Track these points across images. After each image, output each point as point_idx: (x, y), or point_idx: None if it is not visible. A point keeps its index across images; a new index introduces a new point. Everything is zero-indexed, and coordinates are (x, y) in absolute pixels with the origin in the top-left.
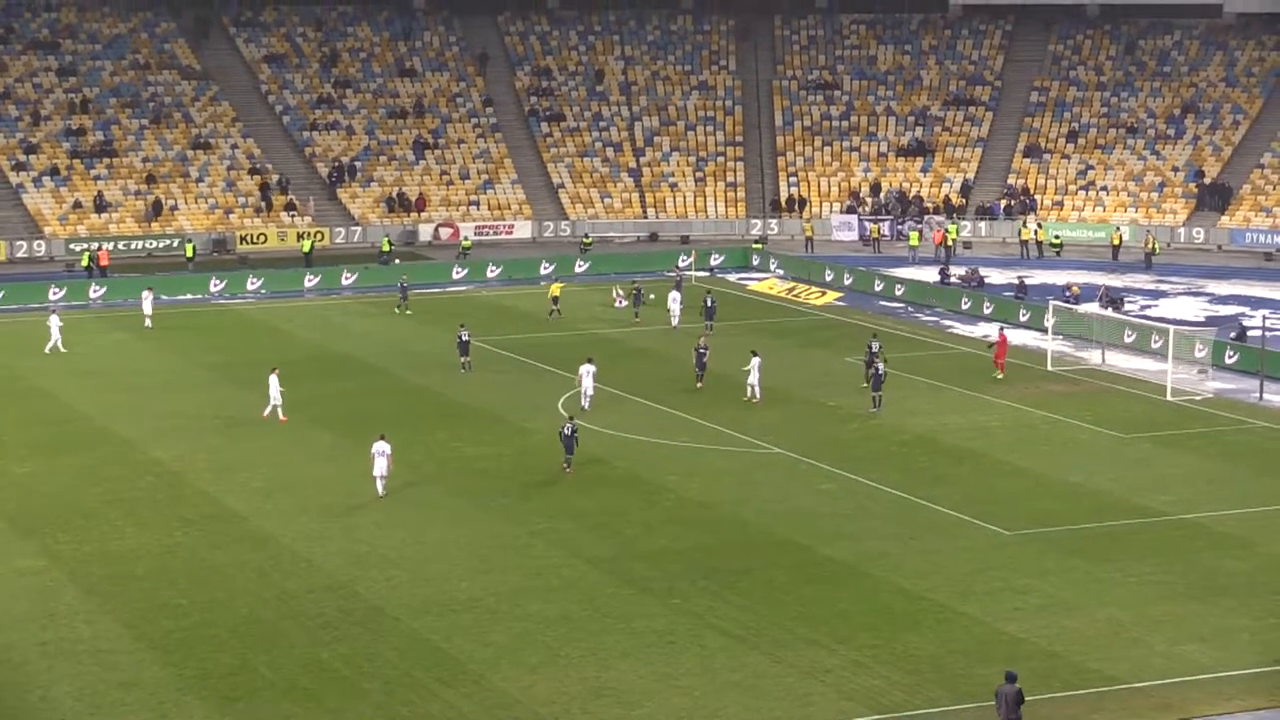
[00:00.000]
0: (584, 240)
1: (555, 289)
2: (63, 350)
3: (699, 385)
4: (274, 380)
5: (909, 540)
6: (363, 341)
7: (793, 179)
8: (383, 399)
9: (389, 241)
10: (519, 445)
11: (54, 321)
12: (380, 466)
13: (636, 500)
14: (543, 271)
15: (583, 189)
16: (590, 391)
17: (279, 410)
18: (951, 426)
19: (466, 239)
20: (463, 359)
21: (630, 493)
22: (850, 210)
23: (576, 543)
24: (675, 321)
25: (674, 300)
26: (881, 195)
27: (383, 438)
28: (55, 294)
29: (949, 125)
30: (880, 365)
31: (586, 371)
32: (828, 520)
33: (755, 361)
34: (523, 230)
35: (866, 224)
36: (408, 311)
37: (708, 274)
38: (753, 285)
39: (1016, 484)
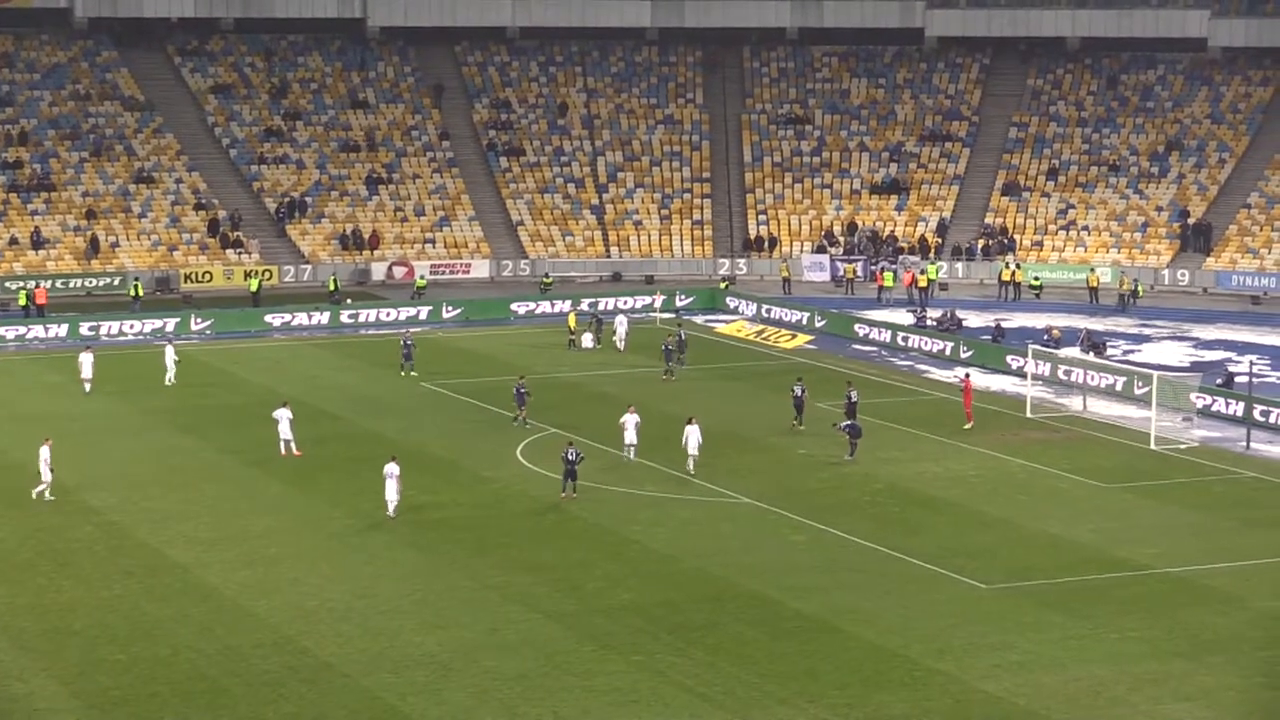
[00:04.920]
0: (544, 280)
1: (573, 319)
2: (171, 383)
3: (799, 426)
4: (285, 413)
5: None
6: (313, 385)
7: (762, 217)
8: (333, 445)
9: (335, 281)
10: (476, 495)
11: (169, 353)
12: (389, 489)
13: (599, 552)
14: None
15: (543, 226)
16: (633, 441)
17: (292, 445)
18: (926, 475)
19: (421, 278)
20: (521, 410)
21: (592, 544)
22: (821, 250)
23: (535, 596)
24: (621, 346)
25: (620, 323)
26: (855, 235)
27: (393, 459)
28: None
29: (924, 162)
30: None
31: (630, 421)
32: (797, 573)
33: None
34: (480, 269)
35: (839, 264)
36: (413, 373)
37: (673, 315)
38: (720, 328)
39: (994, 535)
